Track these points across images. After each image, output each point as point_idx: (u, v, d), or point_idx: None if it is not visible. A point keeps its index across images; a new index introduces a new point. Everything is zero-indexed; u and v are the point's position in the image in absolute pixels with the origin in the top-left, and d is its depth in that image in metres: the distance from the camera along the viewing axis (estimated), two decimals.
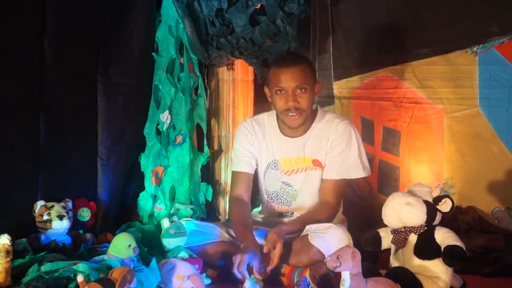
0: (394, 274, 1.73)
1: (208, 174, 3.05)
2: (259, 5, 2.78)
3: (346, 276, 1.57)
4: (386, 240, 1.89)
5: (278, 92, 2.18)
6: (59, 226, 2.33)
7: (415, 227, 1.81)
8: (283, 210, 2.34)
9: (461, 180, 2.67)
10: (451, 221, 2.44)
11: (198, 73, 2.95)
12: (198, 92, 2.97)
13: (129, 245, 1.76)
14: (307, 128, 2.29)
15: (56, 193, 2.48)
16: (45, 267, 1.78)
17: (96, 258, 1.83)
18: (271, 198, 2.36)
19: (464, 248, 1.74)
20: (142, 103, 2.83)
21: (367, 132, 2.94)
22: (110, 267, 1.70)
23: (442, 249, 1.75)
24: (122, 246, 1.77)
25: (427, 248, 1.78)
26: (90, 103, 2.67)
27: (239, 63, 3.01)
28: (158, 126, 2.86)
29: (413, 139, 2.82)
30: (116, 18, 2.70)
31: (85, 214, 2.56)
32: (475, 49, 2.60)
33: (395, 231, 1.84)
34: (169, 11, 2.84)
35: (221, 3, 2.81)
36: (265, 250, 1.98)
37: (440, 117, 2.73)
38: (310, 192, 2.29)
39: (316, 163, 2.27)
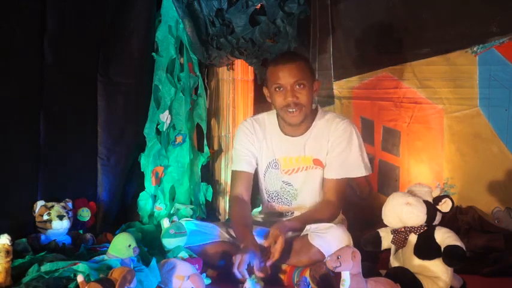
0: (394, 274, 1.73)
1: (208, 174, 3.05)
2: (259, 5, 2.78)
3: (346, 276, 1.57)
4: (386, 240, 1.89)
5: (277, 89, 2.19)
6: (59, 226, 2.33)
7: (415, 227, 1.81)
8: (283, 210, 2.34)
9: (461, 180, 2.67)
10: (451, 221, 2.44)
11: (198, 73, 2.95)
12: (198, 92, 2.97)
13: (129, 245, 1.76)
14: (307, 127, 2.29)
15: (56, 193, 2.48)
16: (45, 267, 1.78)
17: (96, 258, 1.83)
18: (272, 198, 2.36)
19: (464, 248, 1.74)
20: (142, 103, 2.83)
21: (367, 132, 2.94)
22: (110, 267, 1.70)
23: (442, 249, 1.75)
24: (122, 246, 1.77)
25: (427, 248, 1.78)
26: (90, 103, 2.67)
27: (239, 63, 3.01)
28: (158, 126, 2.86)
29: (413, 139, 2.82)
30: (116, 18, 2.70)
31: (85, 214, 2.56)
32: (475, 49, 2.60)
33: (395, 231, 1.85)
34: (169, 11, 2.84)
35: (221, 3, 2.81)
36: (266, 244, 1.98)
37: (440, 117, 2.73)
38: (310, 192, 2.29)
39: (317, 162, 2.27)
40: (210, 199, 2.95)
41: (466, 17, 2.62)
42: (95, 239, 2.43)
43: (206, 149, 2.93)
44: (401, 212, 1.80)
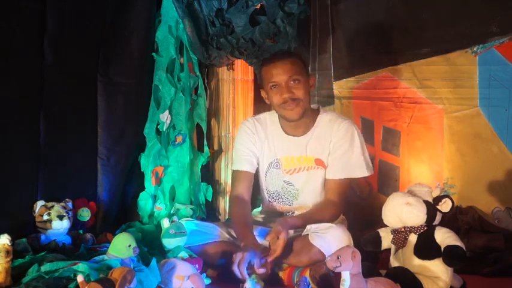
0: (394, 274, 1.73)
1: (208, 174, 3.05)
2: (259, 5, 2.78)
3: (346, 276, 1.57)
4: (386, 240, 1.89)
5: (272, 87, 2.20)
6: (59, 226, 2.33)
7: (415, 227, 1.81)
8: (284, 210, 2.34)
9: (461, 180, 2.67)
10: (451, 221, 2.44)
11: (198, 73, 2.95)
12: (198, 92, 2.97)
13: (129, 245, 1.76)
14: (309, 127, 2.29)
15: (56, 193, 2.47)
16: (45, 267, 1.78)
17: (96, 258, 1.83)
18: (273, 198, 2.36)
19: (464, 248, 1.74)
20: (142, 103, 2.83)
21: (367, 132, 2.93)
22: (110, 267, 1.70)
23: (442, 249, 1.75)
24: (122, 246, 1.77)
25: (427, 248, 1.78)
26: (90, 103, 2.67)
27: (239, 63, 3.01)
28: (158, 126, 2.86)
29: (413, 139, 2.82)
30: (116, 18, 2.70)
31: (85, 214, 2.56)
32: (475, 49, 2.60)
33: (395, 231, 1.84)
34: (169, 11, 2.84)
35: (221, 3, 2.81)
36: (268, 239, 1.98)
37: (440, 117, 2.73)
38: (311, 192, 2.29)
39: (319, 162, 2.27)
40: (210, 199, 2.95)
41: (466, 17, 2.62)
42: (95, 239, 2.43)
43: (206, 149, 2.93)
44: (401, 212, 1.80)
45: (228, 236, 2.24)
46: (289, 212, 2.33)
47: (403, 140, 2.86)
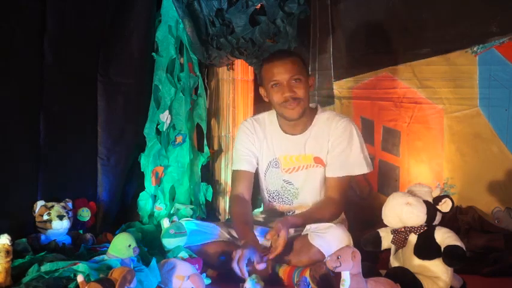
0: (394, 274, 1.73)
1: (208, 174, 3.05)
2: (259, 5, 2.78)
3: (346, 276, 1.57)
4: (386, 240, 1.89)
5: (273, 86, 2.21)
6: (59, 226, 2.33)
7: (415, 227, 1.81)
8: (284, 210, 2.34)
9: (461, 180, 2.67)
10: (451, 221, 2.44)
11: (198, 73, 2.95)
12: (198, 92, 2.97)
13: (129, 245, 1.76)
14: (307, 126, 2.30)
15: (56, 193, 2.48)
16: (45, 267, 1.78)
17: (96, 258, 1.83)
18: (273, 198, 2.36)
19: (464, 248, 1.73)
20: (142, 103, 2.83)
21: (367, 132, 2.93)
22: (110, 267, 1.70)
23: (442, 249, 1.75)
24: (122, 246, 1.77)
25: (427, 248, 1.78)
26: (90, 103, 2.67)
27: (239, 63, 3.01)
28: (158, 126, 2.86)
29: (413, 139, 2.82)
30: (116, 18, 2.70)
31: (85, 214, 2.56)
32: (475, 49, 2.60)
33: (395, 231, 1.84)
34: (169, 11, 2.84)
35: (221, 3, 2.81)
36: (269, 237, 1.98)
37: (440, 117, 2.73)
38: (311, 190, 2.29)
39: (318, 160, 2.28)
40: (210, 199, 2.95)
41: (466, 17, 2.61)
42: (95, 239, 2.43)
43: (206, 149, 2.93)
44: (401, 212, 1.80)
45: (228, 236, 2.24)
46: (289, 212, 2.33)
47: (403, 140, 2.85)
